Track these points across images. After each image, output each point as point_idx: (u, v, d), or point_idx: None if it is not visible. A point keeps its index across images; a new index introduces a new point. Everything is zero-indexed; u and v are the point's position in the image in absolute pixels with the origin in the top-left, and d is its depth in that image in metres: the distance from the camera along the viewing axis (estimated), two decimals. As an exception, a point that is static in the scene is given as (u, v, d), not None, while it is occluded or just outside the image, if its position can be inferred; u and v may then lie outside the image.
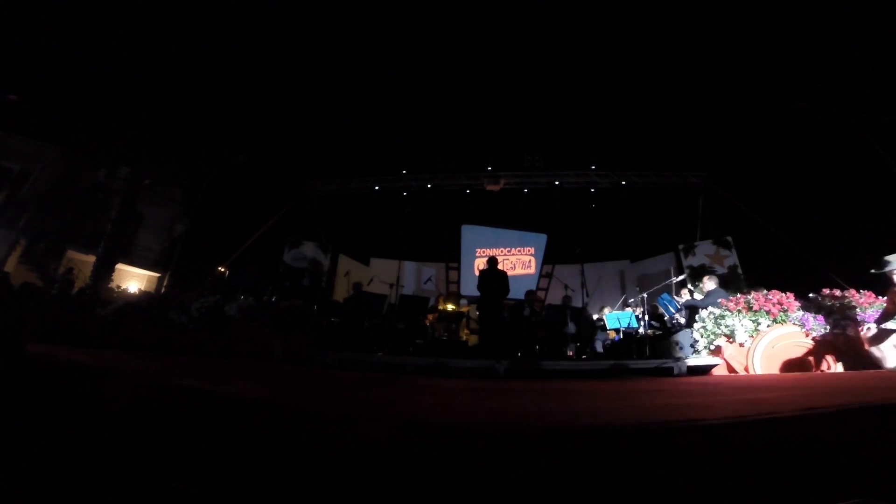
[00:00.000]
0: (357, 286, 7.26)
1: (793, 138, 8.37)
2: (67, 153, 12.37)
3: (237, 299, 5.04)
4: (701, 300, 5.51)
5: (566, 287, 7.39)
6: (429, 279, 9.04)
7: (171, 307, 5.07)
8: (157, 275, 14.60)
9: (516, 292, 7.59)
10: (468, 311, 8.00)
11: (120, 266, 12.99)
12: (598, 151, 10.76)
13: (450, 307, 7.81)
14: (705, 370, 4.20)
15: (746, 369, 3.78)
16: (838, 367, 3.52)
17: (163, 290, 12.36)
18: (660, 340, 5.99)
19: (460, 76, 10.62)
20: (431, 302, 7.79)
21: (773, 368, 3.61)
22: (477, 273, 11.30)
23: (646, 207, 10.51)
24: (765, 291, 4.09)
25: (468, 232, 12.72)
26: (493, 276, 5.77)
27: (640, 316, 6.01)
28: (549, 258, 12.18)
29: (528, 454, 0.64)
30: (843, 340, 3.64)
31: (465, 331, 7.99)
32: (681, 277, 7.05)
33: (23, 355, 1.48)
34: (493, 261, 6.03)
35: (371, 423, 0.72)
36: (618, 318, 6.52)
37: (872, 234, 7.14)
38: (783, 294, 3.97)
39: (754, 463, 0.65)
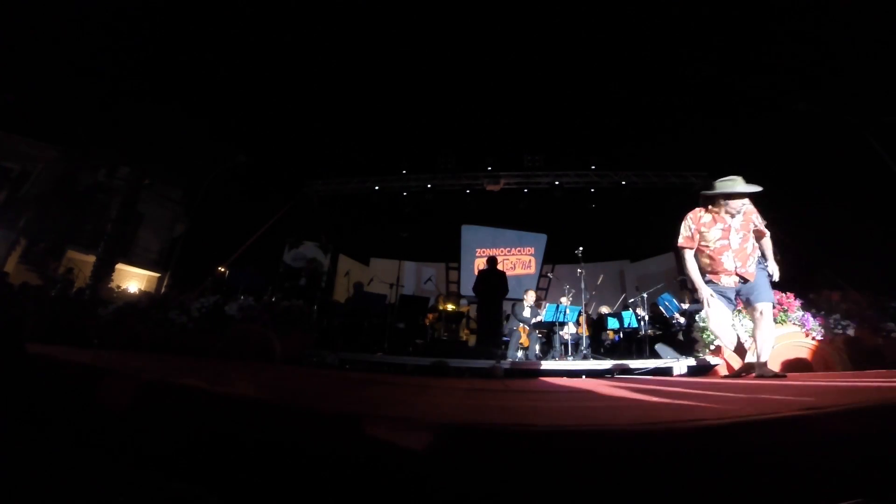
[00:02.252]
0: (358, 286, 7.27)
1: (793, 138, 8.37)
2: (67, 153, 12.37)
3: (237, 299, 5.03)
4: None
5: (566, 287, 7.38)
6: (429, 279, 9.04)
7: (171, 307, 5.07)
8: (157, 275, 14.61)
9: (516, 292, 7.56)
10: (468, 311, 8.00)
11: (120, 266, 13.00)
12: (598, 151, 10.76)
13: (450, 307, 7.81)
14: (705, 370, 4.21)
15: (746, 369, 3.77)
16: (838, 368, 3.52)
17: (163, 290, 12.35)
18: (660, 340, 6.00)
19: (460, 76, 10.62)
20: (431, 302, 7.79)
21: (774, 368, 3.61)
22: (477, 273, 11.30)
23: (646, 207, 10.50)
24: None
25: (468, 232, 12.73)
26: (492, 276, 5.77)
27: (641, 316, 6.02)
28: (549, 258, 12.19)
29: (529, 454, 0.64)
30: (844, 340, 3.65)
31: (465, 331, 7.99)
32: (682, 277, 7.07)
33: (23, 355, 1.48)
34: (492, 260, 6.03)
35: (371, 423, 0.72)
36: (618, 318, 6.52)
37: (872, 234, 7.14)
38: (783, 294, 3.97)
39: (754, 463, 0.65)
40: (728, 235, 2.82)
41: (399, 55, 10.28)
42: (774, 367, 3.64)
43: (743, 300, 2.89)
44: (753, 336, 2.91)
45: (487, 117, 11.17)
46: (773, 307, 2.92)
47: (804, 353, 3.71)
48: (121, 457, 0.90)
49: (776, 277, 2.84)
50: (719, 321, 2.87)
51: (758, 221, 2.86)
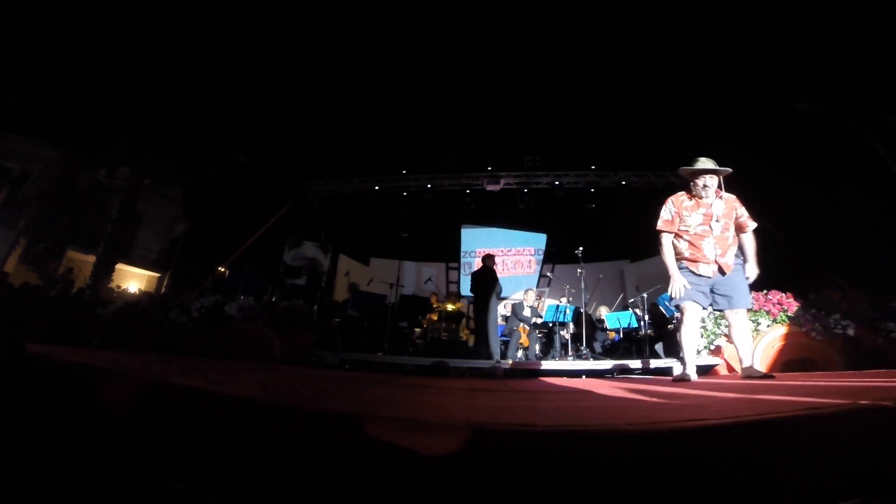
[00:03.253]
0: (353, 287, 7.28)
1: (792, 138, 8.37)
2: (67, 153, 12.38)
3: (237, 299, 5.03)
4: None
5: (566, 287, 7.39)
6: (429, 279, 9.03)
7: (171, 307, 5.07)
8: (157, 275, 14.62)
9: (517, 292, 7.55)
10: (467, 310, 7.99)
11: (120, 266, 13.01)
12: (598, 151, 10.76)
13: (449, 307, 7.81)
14: (705, 370, 4.20)
15: (746, 369, 3.77)
16: (838, 368, 3.52)
17: (163, 290, 12.36)
18: (659, 340, 5.99)
19: (460, 76, 10.62)
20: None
21: (774, 369, 3.61)
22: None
23: (646, 207, 10.46)
24: (765, 291, 4.09)
25: (468, 232, 12.72)
26: (481, 276, 5.79)
27: (640, 316, 6.01)
28: (549, 258, 12.18)
29: (529, 454, 0.64)
30: (844, 340, 3.64)
31: (465, 331, 7.99)
32: None
33: (23, 355, 1.48)
34: (485, 259, 6.04)
35: (371, 423, 0.72)
36: (618, 318, 6.52)
37: (872, 234, 7.14)
38: (783, 294, 3.97)
39: (754, 463, 0.65)
40: (709, 222, 2.79)
41: (399, 56, 10.28)
42: (775, 367, 3.64)
43: (717, 295, 2.77)
44: (730, 338, 2.89)
45: (487, 117, 11.18)
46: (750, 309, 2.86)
47: (804, 353, 3.71)
48: (121, 457, 0.90)
49: (752, 279, 2.76)
50: (693, 320, 2.77)
51: (741, 212, 2.84)
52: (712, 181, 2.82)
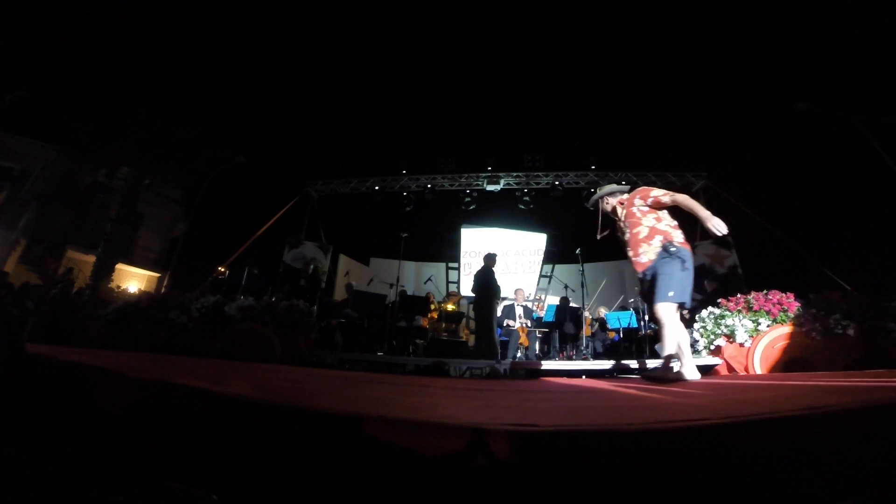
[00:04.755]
0: (349, 287, 7.29)
1: (793, 138, 8.38)
2: (67, 153, 12.38)
3: (237, 299, 5.03)
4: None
5: (566, 287, 7.39)
6: (429, 279, 9.03)
7: (171, 307, 5.07)
8: (157, 275, 14.62)
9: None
10: (466, 311, 8.00)
11: (120, 266, 13.01)
12: (598, 151, 10.79)
13: (450, 307, 7.80)
14: (705, 370, 4.20)
15: (746, 369, 3.78)
16: (838, 367, 3.52)
17: (163, 290, 12.35)
18: (659, 340, 5.98)
19: (461, 77, 10.62)
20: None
21: (774, 369, 3.61)
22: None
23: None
24: (765, 291, 4.09)
25: (468, 232, 12.72)
26: (481, 276, 5.80)
27: (640, 316, 6.01)
28: (549, 258, 12.18)
29: (529, 454, 0.64)
30: (844, 340, 3.64)
31: (466, 331, 8.00)
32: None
33: (23, 355, 1.48)
34: (485, 259, 6.04)
35: (371, 423, 0.72)
36: (618, 318, 6.52)
37: (872, 233, 7.14)
38: (783, 294, 3.97)
39: (754, 463, 0.65)
40: (623, 232, 3.01)
41: (400, 58, 10.28)
42: (776, 367, 3.64)
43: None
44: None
45: (487, 118, 11.19)
46: (675, 304, 2.63)
47: (804, 353, 3.71)
48: (121, 457, 0.90)
49: (722, 230, 2.49)
50: (665, 322, 2.74)
51: (650, 196, 2.84)
52: (611, 202, 3.10)
